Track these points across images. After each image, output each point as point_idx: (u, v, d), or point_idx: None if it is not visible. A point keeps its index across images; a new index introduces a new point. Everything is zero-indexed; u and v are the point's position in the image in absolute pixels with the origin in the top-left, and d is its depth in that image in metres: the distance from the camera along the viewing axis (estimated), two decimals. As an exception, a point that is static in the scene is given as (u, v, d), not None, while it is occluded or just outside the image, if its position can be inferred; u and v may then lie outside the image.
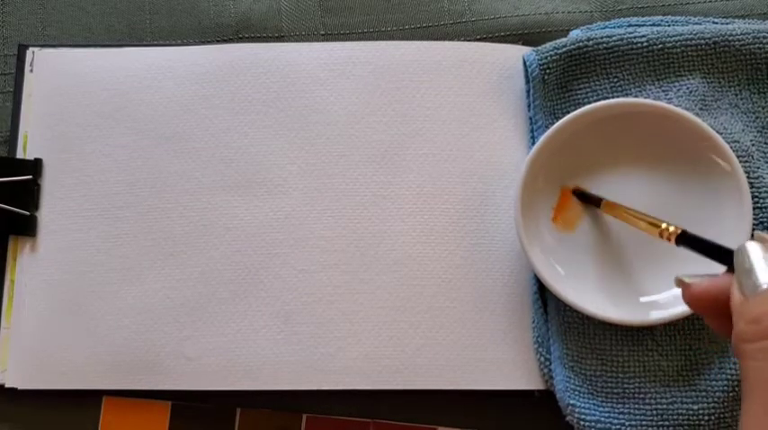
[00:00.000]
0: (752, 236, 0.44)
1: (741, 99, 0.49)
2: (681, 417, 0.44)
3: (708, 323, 0.36)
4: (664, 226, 0.41)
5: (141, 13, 0.54)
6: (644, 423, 0.44)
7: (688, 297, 0.35)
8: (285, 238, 0.48)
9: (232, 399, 0.48)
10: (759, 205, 0.46)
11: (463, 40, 0.53)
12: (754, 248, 0.33)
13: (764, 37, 0.48)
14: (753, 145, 0.48)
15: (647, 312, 0.45)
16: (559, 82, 0.49)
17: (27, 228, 0.49)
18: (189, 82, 0.51)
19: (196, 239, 0.49)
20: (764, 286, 0.31)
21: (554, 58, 0.49)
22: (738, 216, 0.45)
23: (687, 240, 0.40)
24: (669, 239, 0.40)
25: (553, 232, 0.47)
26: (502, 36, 0.53)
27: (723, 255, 0.36)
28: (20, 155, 0.51)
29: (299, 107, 0.50)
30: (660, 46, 0.49)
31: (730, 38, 0.49)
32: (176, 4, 0.54)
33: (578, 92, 0.49)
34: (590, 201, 0.47)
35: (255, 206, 0.49)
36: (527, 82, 0.50)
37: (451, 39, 0.53)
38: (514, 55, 0.51)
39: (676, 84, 0.49)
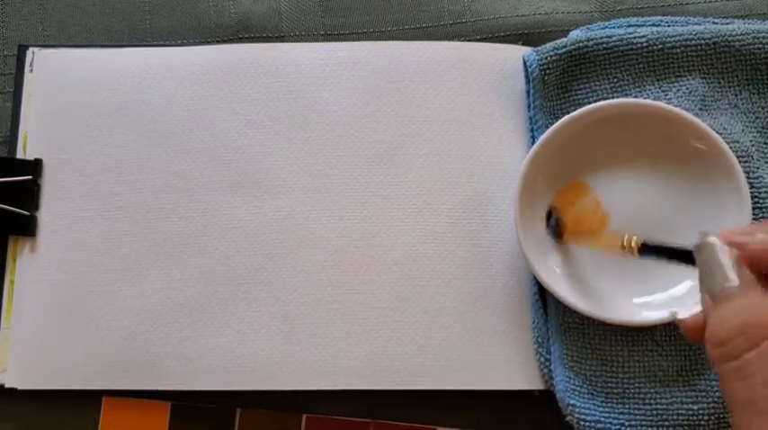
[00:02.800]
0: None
1: (741, 99, 0.49)
2: (681, 417, 0.44)
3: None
4: (625, 239, 0.42)
5: (141, 13, 0.54)
6: (644, 423, 0.44)
7: (684, 331, 0.35)
8: (285, 238, 0.48)
9: (232, 399, 0.48)
10: (759, 205, 0.46)
11: (463, 41, 0.53)
12: (710, 248, 0.33)
13: (764, 37, 0.48)
14: (752, 145, 0.48)
15: (646, 313, 0.45)
16: (559, 82, 0.49)
17: (27, 228, 0.49)
18: (189, 82, 0.51)
19: (196, 239, 0.49)
20: (728, 284, 0.32)
21: (554, 58, 0.49)
22: (738, 216, 0.45)
23: (650, 250, 0.40)
24: (632, 253, 0.41)
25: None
26: (502, 36, 0.53)
27: (687, 258, 0.36)
28: (20, 155, 0.50)
29: (299, 107, 0.50)
30: (660, 46, 0.49)
31: (730, 38, 0.49)
32: (176, 5, 0.54)
33: (578, 92, 0.49)
34: (555, 235, 0.47)
35: (255, 206, 0.49)
36: (527, 82, 0.50)
37: (451, 39, 0.53)
38: (514, 55, 0.51)
39: (676, 84, 0.49)
